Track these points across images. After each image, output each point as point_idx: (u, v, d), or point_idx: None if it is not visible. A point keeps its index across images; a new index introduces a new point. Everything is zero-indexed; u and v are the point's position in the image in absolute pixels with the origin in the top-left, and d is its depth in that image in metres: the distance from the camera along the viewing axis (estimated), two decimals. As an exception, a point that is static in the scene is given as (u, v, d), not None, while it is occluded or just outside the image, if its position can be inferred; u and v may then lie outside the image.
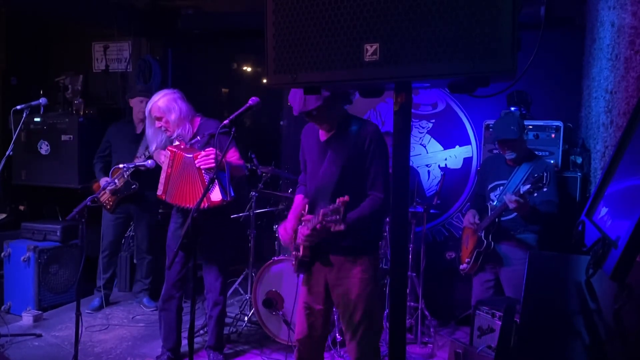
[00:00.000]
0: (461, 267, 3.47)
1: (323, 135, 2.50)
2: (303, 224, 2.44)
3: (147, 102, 4.35)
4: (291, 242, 2.56)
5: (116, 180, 4.20)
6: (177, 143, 3.30)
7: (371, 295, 2.43)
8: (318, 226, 2.26)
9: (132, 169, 3.46)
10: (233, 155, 3.26)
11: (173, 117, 3.27)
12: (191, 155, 3.11)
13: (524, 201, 3.02)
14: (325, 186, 2.42)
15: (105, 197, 4.32)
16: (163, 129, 3.29)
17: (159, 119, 3.27)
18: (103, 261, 4.55)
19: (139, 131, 4.41)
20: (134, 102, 4.46)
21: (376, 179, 2.36)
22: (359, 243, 2.41)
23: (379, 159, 2.37)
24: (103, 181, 4.29)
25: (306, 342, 2.58)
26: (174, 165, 3.21)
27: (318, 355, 2.65)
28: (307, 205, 2.56)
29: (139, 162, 3.69)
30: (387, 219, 3.72)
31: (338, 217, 2.14)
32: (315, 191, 2.49)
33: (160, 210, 4.56)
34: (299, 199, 2.69)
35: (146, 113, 3.33)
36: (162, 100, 3.27)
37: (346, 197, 2.14)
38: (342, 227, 2.15)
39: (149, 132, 3.37)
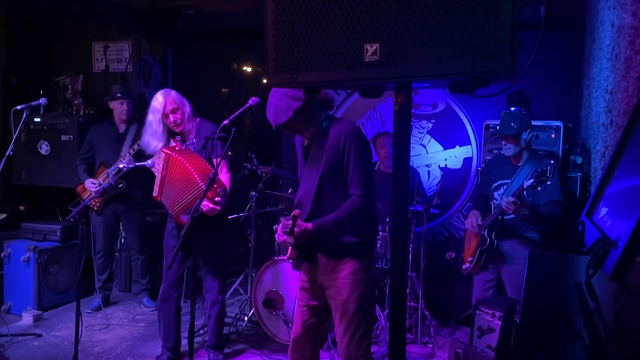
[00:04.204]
0: (463, 266, 3.46)
1: (305, 141, 2.53)
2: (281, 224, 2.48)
3: (127, 103, 4.39)
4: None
5: (102, 181, 4.22)
6: (173, 144, 3.26)
7: (362, 297, 2.39)
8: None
9: (131, 168, 3.44)
10: (222, 169, 3.24)
11: (187, 108, 3.26)
12: (202, 184, 2.96)
13: (521, 202, 3.01)
14: (308, 191, 2.43)
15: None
16: (178, 121, 3.24)
17: (175, 111, 3.22)
18: (97, 263, 4.55)
19: (121, 131, 4.43)
20: (115, 104, 4.45)
21: (354, 178, 2.35)
22: (339, 245, 2.38)
23: (356, 157, 2.34)
24: (88, 182, 4.29)
25: (301, 341, 2.56)
26: (168, 168, 3.16)
27: (313, 356, 2.61)
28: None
29: (139, 162, 3.67)
30: (387, 219, 3.73)
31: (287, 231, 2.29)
32: (301, 194, 2.50)
33: (149, 212, 4.57)
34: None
35: (158, 108, 3.22)
36: (174, 93, 3.27)
37: (296, 211, 2.29)
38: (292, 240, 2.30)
39: (158, 129, 3.25)
